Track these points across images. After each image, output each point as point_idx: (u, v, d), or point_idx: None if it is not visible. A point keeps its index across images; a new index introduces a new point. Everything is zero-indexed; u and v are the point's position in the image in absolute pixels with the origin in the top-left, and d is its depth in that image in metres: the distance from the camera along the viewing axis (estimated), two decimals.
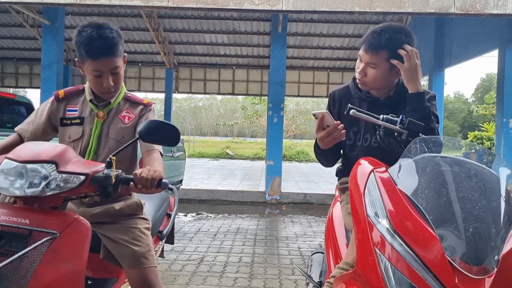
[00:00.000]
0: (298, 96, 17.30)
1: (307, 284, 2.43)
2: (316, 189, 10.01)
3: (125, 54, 1.89)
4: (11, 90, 17.85)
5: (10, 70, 16.31)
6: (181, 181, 6.90)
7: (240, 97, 27.94)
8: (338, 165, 2.14)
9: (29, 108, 7.49)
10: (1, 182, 1.37)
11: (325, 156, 2.00)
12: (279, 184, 8.79)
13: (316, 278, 2.24)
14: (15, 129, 1.93)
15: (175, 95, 17.85)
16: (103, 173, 1.42)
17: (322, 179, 12.39)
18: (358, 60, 1.92)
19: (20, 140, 1.89)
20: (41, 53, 8.94)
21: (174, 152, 5.94)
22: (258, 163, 19.08)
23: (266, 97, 15.40)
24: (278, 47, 9.13)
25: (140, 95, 2.09)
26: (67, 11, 11.01)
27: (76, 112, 1.89)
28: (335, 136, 1.74)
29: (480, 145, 2.31)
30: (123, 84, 1.93)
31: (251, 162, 19.58)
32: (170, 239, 2.55)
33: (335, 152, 2.04)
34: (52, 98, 1.93)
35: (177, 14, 12.76)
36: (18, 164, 1.37)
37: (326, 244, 2.20)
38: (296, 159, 23.39)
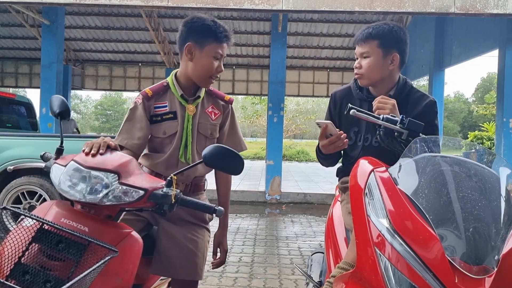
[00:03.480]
0: (298, 96, 17.29)
1: (307, 284, 2.43)
2: (316, 189, 10.01)
3: None
4: (11, 90, 17.87)
5: (10, 70, 16.30)
6: None
7: (240, 97, 27.94)
8: (339, 165, 2.15)
9: (29, 108, 7.48)
10: (63, 183, 1.40)
11: (327, 159, 2.04)
12: (279, 184, 8.79)
13: (316, 278, 2.25)
14: (118, 143, 1.75)
15: None
16: (162, 191, 1.41)
17: (322, 179, 12.38)
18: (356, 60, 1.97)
19: (130, 153, 1.76)
20: (41, 52, 8.94)
21: None
22: (258, 163, 19.08)
23: (266, 97, 15.39)
24: (278, 47, 9.12)
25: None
26: (67, 11, 11.01)
27: (166, 108, 1.86)
28: (337, 145, 1.76)
29: (480, 145, 2.31)
30: None
31: (251, 162, 19.59)
32: None
33: (336, 155, 2.06)
34: (140, 98, 1.87)
35: (177, 14, 12.75)
36: (83, 168, 1.39)
37: (326, 244, 2.20)
38: (296, 159, 23.38)
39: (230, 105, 1.98)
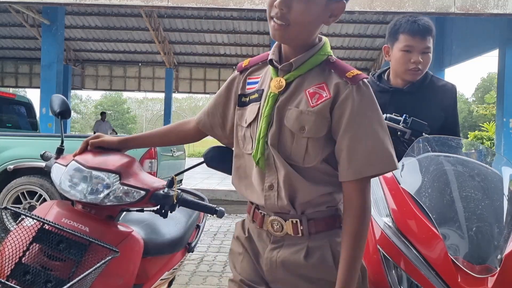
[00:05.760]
0: None
1: None
2: None
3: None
4: (11, 90, 17.87)
5: (10, 70, 16.31)
6: (181, 180, 6.90)
7: None
8: None
9: (29, 108, 7.48)
10: (64, 182, 1.40)
11: None
12: None
13: None
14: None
15: (175, 95, 17.88)
16: (163, 191, 1.39)
17: None
18: (402, 53, 1.80)
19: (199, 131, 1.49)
20: (41, 52, 8.94)
21: (174, 151, 5.93)
22: None
23: None
24: None
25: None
26: (67, 11, 11.01)
27: (256, 85, 1.24)
28: None
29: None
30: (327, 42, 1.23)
31: None
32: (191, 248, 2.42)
33: None
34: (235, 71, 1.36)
35: (177, 14, 12.76)
36: (84, 168, 1.39)
37: None
38: None
39: (353, 85, 1.08)
